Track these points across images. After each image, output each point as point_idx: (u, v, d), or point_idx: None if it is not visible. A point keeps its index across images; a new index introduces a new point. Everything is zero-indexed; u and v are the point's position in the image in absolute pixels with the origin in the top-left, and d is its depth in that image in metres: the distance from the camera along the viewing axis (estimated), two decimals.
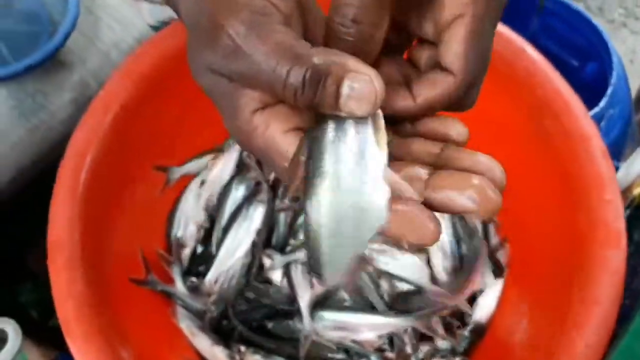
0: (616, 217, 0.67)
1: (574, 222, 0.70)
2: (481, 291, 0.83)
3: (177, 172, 0.87)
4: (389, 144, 0.33)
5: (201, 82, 0.35)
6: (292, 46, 0.32)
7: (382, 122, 0.33)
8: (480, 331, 0.81)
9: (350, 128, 0.32)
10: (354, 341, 0.79)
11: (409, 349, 0.78)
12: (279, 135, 0.33)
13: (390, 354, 0.80)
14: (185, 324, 0.80)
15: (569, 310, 0.66)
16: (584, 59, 1.11)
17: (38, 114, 0.81)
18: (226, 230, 0.85)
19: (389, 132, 0.34)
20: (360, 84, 0.31)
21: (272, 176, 0.87)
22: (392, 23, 0.34)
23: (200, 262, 0.86)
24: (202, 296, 0.82)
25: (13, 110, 0.80)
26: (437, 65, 0.37)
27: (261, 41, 0.32)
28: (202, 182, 0.89)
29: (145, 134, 0.79)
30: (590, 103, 0.74)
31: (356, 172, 0.32)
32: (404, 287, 0.83)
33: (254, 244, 0.83)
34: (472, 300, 0.83)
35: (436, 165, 0.35)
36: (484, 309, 0.82)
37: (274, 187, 0.88)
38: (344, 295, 0.82)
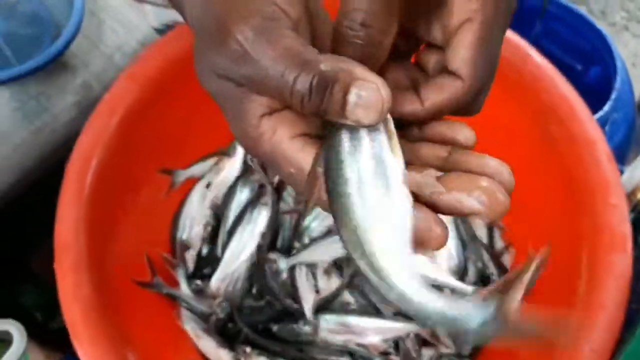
0: (621, 221, 0.67)
1: (579, 226, 0.70)
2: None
3: (182, 175, 0.87)
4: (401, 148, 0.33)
5: (207, 85, 0.35)
6: (300, 52, 0.32)
7: (393, 128, 0.33)
8: None
9: (365, 137, 0.32)
10: (359, 344, 0.79)
11: (414, 353, 0.78)
12: (286, 141, 0.33)
13: (395, 358, 0.80)
14: (190, 326, 0.80)
15: (574, 314, 0.66)
16: (588, 63, 1.11)
17: (41, 116, 0.81)
18: (231, 233, 0.85)
19: (398, 136, 0.34)
20: (368, 92, 0.31)
21: (276, 179, 0.87)
22: (400, 28, 0.34)
23: (205, 265, 0.86)
24: (207, 299, 0.82)
25: (16, 112, 0.80)
26: (445, 70, 0.37)
27: (270, 47, 0.31)
28: (208, 185, 0.89)
29: (150, 137, 0.79)
30: (593, 107, 0.74)
31: (377, 182, 0.32)
32: None
33: (258, 247, 0.83)
34: None
35: (444, 169, 0.35)
36: None
37: (278, 190, 0.88)
38: (349, 298, 0.82)
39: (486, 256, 0.84)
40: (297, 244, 0.86)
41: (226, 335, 0.81)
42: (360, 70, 0.31)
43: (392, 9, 0.33)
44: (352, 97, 0.31)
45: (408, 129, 0.38)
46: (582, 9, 1.26)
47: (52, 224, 0.69)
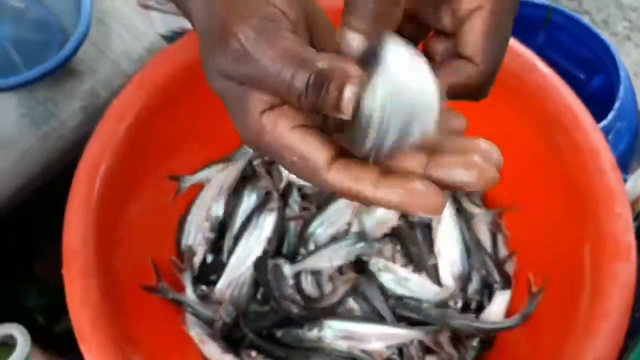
0: (626, 230, 0.67)
1: (583, 235, 0.70)
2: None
3: (189, 181, 0.88)
4: None
5: (214, 85, 0.36)
6: (298, 52, 0.33)
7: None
8: (488, 342, 0.82)
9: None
10: (362, 351, 0.79)
11: None
12: (286, 132, 0.34)
13: None
14: (195, 332, 0.80)
15: (578, 323, 0.66)
16: (591, 73, 1.12)
17: (48, 121, 0.82)
18: (237, 238, 0.85)
19: None
20: (362, 88, 0.32)
21: (282, 185, 0.88)
22: (409, 15, 0.35)
23: (211, 271, 0.86)
24: (212, 304, 0.82)
25: (24, 118, 0.81)
26: (457, 55, 0.38)
27: (269, 46, 0.33)
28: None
29: (158, 143, 0.79)
30: (596, 116, 0.75)
31: (411, 65, 0.33)
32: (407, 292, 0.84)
33: (264, 253, 0.84)
34: (480, 310, 0.84)
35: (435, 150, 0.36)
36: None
37: (284, 196, 0.88)
38: (353, 304, 0.83)
39: (490, 264, 0.84)
40: (302, 250, 0.86)
41: (231, 340, 0.81)
42: (354, 69, 0.32)
43: None
44: (347, 94, 0.32)
45: None
46: (585, 19, 1.26)
47: (57, 228, 0.69)
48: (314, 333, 0.80)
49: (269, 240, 0.84)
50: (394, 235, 0.86)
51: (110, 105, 0.75)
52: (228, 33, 0.34)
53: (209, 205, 0.88)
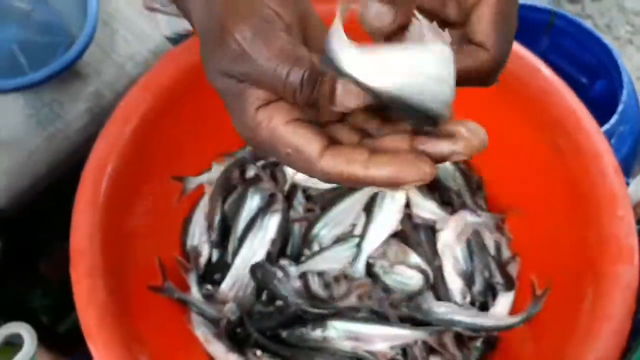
0: (628, 233, 0.68)
1: (586, 238, 0.71)
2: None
3: (193, 182, 0.88)
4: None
5: (215, 84, 0.38)
6: (293, 51, 0.35)
7: None
8: (492, 343, 0.82)
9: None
10: (367, 351, 0.79)
11: None
12: (281, 126, 0.35)
13: None
14: (201, 331, 0.81)
15: (580, 325, 0.67)
16: (593, 77, 1.12)
17: (54, 123, 0.82)
18: (242, 239, 0.86)
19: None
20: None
21: (286, 187, 0.88)
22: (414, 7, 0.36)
23: (216, 271, 0.86)
24: (217, 303, 0.83)
25: (30, 119, 0.81)
26: (468, 42, 0.39)
27: (266, 46, 0.34)
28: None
29: (163, 144, 0.80)
30: (599, 120, 0.75)
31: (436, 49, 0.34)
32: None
33: (268, 254, 0.84)
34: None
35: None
36: None
37: (288, 197, 0.89)
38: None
39: (493, 265, 0.85)
40: (306, 252, 0.87)
41: (236, 340, 0.81)
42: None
43: None
44: (339, 87, 0.34)
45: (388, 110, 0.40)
46: (588, 23, 1.26)
47: (63, 229, 0.70)
48: (318, 333, 0.80)
49: (273, 242, 0.85)
50: (398, 236, 0.86)
51: (116, 107, 0.76)
52: (226, 33, 0.35)
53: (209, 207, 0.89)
